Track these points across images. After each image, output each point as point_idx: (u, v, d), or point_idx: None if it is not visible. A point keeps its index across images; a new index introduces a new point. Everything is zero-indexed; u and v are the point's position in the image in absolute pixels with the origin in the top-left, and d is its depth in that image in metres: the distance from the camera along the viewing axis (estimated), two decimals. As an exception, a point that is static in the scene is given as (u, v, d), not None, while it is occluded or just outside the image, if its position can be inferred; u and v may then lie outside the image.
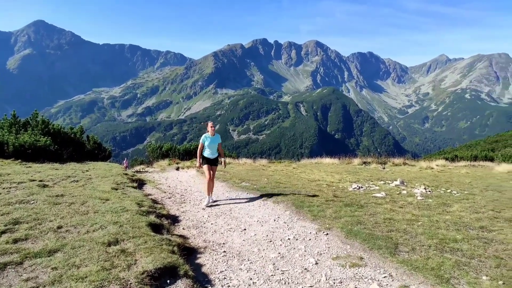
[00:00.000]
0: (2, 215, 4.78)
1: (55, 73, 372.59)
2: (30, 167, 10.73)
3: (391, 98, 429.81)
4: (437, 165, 17.98)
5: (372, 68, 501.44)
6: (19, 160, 12.11)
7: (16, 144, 12.90)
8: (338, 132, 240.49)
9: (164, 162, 21.36)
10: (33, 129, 15.82)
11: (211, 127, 7.64)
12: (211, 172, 7.70)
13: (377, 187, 10.01)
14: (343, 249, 4.72)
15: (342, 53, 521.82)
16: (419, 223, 5.80)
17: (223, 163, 8.12)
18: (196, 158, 8.35)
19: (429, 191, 9.30)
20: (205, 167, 7.69)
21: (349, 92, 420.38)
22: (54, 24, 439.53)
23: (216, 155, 7.86)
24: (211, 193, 7.83)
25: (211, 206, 7.46)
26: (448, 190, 9.60)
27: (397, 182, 10.76)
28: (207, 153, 7.68)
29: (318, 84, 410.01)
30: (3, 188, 6.62)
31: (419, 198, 8.14)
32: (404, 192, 9.15)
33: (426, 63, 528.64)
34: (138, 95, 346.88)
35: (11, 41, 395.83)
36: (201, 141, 7.64)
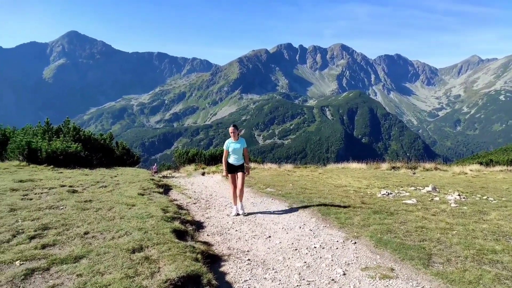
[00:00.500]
0: (32, 220, 4.91)
1: (88, 81, 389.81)
2: (61, 172, 11.10)
3: (420, 101, 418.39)
4: (471, 170, 17.18)
5: (400, 71, 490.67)
6: (51, 166, 12.58)
7: (49, 150, 13.39)
8: (365, 136, 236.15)
9: (190, 167, 21.59)
10: (65, 135, 16.38)
11: (232, 132, 7.17)
12: (237, 180, 7.27)
13: (407, 194, 9.63)
14: (373, 259, 4.51)
15: (369, 56, 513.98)
16: (454, 232, 5.48)
17: (246, 169, 7.46)
18: (222, 163, 8.05)
19: (464, 198, 8.85)
20: (229, 175, 7.34)
21: (376, 95, 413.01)
22: (86, 34, 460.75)
23: (242, 161, 7.32)
24: (239, 201, 7.30)
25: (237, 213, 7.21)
26: (484, 197, 9.09)
27: (429, 188, 10.32)
28: (231, 160, 7.27)
29: (344, 88, 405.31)
30: (35, 194, 6.83)
31: (453, 205, 7.74)
32: (437, 198, 8.74)
33: (457, 64, 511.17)
34: (166, 102, 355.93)
35: (47, 52, 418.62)
36: (224, 147, 7.29)
